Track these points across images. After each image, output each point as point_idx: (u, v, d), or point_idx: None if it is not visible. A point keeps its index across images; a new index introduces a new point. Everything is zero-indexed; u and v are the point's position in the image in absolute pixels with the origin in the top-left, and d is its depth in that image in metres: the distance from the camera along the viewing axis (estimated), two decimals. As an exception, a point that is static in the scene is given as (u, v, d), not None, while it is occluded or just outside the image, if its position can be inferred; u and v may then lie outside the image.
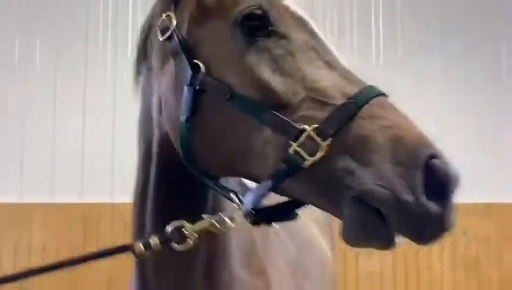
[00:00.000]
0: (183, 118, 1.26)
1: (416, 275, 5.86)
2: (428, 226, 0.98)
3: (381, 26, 6.29)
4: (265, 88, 1.17)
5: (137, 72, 1.56)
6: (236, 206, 1.28)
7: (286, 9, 1.26)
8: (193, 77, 1.25)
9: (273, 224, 1.31)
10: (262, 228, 1.72)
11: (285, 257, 1.82)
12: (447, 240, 6.29)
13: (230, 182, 1.39)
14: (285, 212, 1.27)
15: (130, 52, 5.07)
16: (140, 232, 1.48)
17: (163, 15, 1.38)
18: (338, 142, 1.06)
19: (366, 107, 1.07)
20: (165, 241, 1.33)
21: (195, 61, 1.27)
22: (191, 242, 1.32)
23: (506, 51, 6.47)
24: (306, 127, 1.09)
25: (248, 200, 1.20)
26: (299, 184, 1.12)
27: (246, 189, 1.30)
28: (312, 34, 1.24)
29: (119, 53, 5.49)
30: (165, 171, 1.43)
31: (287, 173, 1.10)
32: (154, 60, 1.44)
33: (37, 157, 5.48)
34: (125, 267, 1.89)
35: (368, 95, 1.09)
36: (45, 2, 5.68)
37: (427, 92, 6.16)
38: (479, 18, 6.40)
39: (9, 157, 5.47)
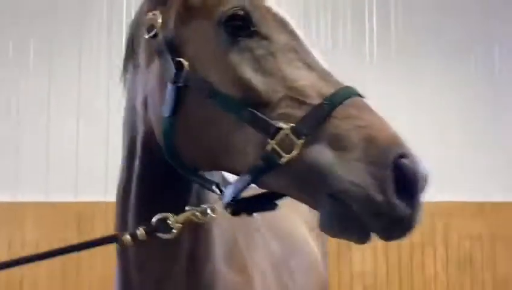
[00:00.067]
0: (166, 114, 1.29)
1: (409, 275, 5.88)
2: (397, 226, 1.04)
3: (375, 23, 6.31)
4: (246, 87, 1.20)
5: (125, 70, 1.57)
6: (218, 198, 1.32)
7: (268, 10, 1.28)
8: (177, 74, 1.27)
9: (254, 214, 1.36)
10: (246, 227, 1.76)
11: (269, 258, 1.85)
12: (440, 239, 6.30)
13: (214, 175, 1.41)
14: (264, 203, 1.31)
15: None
16: (123, 227, 1.49)
17: (150, 13, 1.40)
18: (313, 141, 1.09)
19: (340, 107, 1.10)
20: (151, 231, 1.36)
21: (179, 59, 1.29)
22: (175, 231, 1.36)
23: (499, 49, 6.50)
24: (283, 125, 1.12)
25: (228, 192, 1.24)
26: (276, 179, 1.15)
27: (227, 183, 1.34)
28: (293, 35, 1.26)
29: (113, 56, 5.50)
30: (149, 166, 1.45)
31: (264, 169, 1.14)
32: (141, 58, 1.45)
33: (31, 157, 5.49)
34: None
35: (343, 96, 1.12)
36: (39, 6, 5.69)
37: (420, 89, 6.18)
38: (472, 17, 6.43)
39: (4, 156, 5.48)
